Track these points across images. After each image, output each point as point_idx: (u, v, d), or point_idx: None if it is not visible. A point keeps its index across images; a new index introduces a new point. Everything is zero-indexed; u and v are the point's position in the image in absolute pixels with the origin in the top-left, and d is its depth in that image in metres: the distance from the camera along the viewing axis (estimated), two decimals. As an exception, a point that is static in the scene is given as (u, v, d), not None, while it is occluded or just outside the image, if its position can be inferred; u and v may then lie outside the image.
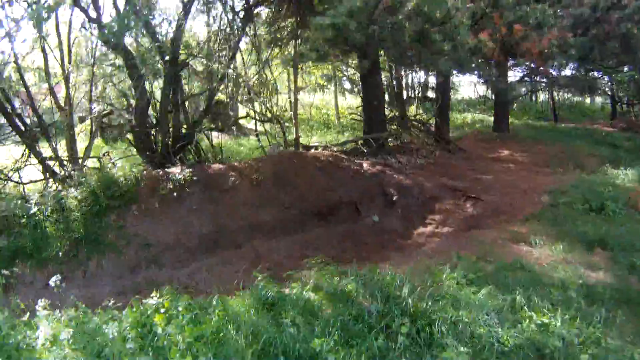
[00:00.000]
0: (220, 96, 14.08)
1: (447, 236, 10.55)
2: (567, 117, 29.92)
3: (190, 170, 10.23)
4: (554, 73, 24.93)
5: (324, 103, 31.99)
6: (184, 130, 12.52)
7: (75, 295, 6.43)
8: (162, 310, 5.01)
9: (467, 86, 35.28)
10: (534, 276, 7.04)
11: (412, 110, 22.72)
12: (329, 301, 5.79)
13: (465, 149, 17.14)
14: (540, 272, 7.27)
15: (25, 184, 10.83)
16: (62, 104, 12.21)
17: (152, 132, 12.13)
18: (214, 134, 14.41)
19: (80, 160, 11.46)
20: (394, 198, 12.06)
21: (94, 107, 12.88)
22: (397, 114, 16.41)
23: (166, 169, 10.37)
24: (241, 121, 18.37)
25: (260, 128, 15.50)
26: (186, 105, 13.12)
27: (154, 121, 12.33)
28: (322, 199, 11.32)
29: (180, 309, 5.12)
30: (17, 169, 10.78)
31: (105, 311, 5.30)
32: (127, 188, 9.51)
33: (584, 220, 10.06)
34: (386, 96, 17.51)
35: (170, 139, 11.88)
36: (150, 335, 4.72)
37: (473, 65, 16.18)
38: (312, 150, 12.99)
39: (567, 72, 25.33)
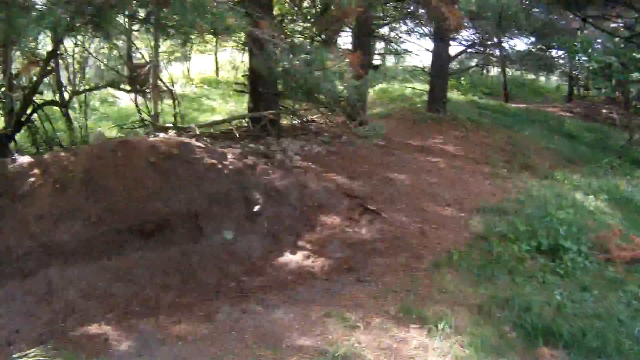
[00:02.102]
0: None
1: (313, 279, 7.01)
2: (519, 95, 26.42)
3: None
4: (507, 46, 21.41)
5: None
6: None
7: None
8: None
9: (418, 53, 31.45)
10: None
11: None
12: None
13: (385, 134, 13.36)
14: None
15: None
16: None
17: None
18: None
19: None
20: (258, 207, 8.28)
21: None
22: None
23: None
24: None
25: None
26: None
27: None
28: (148, 210, 7.62)
29: None
30: None
31: None
32: None
33: (525, 271, 6.81)
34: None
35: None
36: None
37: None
38: (160, 136, 8.92)
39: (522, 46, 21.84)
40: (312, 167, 9.96)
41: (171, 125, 10.15)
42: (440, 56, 16.65)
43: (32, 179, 7.40)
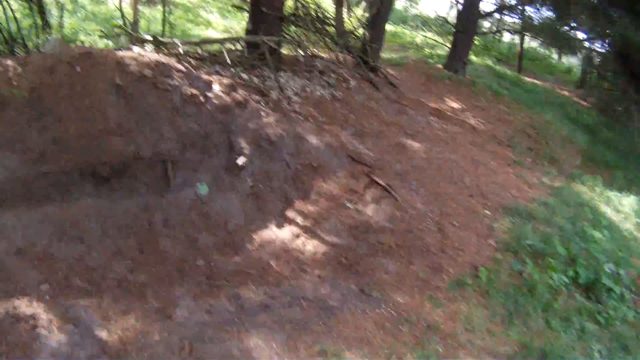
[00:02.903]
0: None
1: (302, 271, 5.45)
2: (531, 68, 24.47)
3: None
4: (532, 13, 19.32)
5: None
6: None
7: None
8: None
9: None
10: None
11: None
12: None
13: (397, 85, 11.47)
14: None
15: None
16: None
17: None
18: None
19: None
20: (243, 158, 6.50)
21: None
22: (304, 10, 10.34)
23: None
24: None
25: None
26: None
27: None
28: (105, 147, 5.83)
29: None
30: None
31: None
32: None
33: (561, 311, 5.43)
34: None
35: None
36: None
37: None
38: (135, 51, 6.89)
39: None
40: (312, 115, 8.14)
41: (150, 37, 8.07)
42: (470, 10, 14.62)
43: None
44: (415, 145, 8.48)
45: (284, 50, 10.20)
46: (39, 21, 9.04)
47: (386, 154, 7.80)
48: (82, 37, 9.95)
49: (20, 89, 5.57)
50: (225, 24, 16.15)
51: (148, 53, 6.89)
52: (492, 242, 6.28)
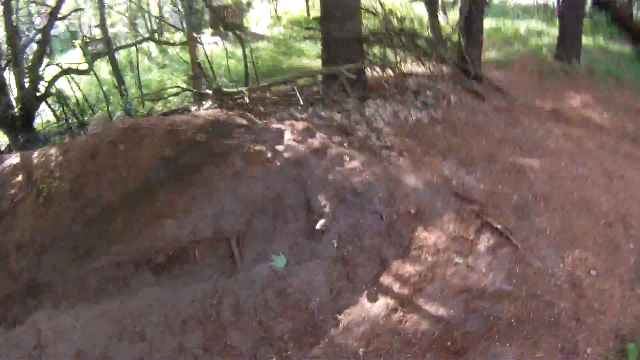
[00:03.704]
0: None
1: (400, 356, 4.40)
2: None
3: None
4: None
5: None
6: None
7: None
8: None
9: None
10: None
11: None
12: None
13: (505, 90, 10.06)
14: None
15: None
16: None
17: None
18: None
19: None
20: (323, 221, 5.48)
21: None
22: (385, 25, 9.10)
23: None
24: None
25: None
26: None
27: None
28: (161, 233, 5.23)
29: None
30: None
31: None
32: None
33: None
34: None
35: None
36: None
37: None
38: (192, 111, 6.09)
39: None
40: (408, 146, 7.02)
41: (209, 92, 7.26)
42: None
43: (14, 190, 5.31)
44: (535, 164, 7.14)
45: (370, 74, 9.11)
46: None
47: (500, 183, 6.53)
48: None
49: (63, 180, 4.94)
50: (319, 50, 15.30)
51: (205, 111, 6.09)
52: None
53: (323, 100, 7.55)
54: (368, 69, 8.49)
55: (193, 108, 6.27)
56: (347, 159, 6.26)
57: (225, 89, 7.38)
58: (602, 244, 5.62)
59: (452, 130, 7.70)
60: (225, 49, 12.39)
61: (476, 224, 5.82)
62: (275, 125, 6.43)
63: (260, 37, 18.05)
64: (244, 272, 5.07)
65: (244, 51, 9.96)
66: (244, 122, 6.02)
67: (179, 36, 16.84)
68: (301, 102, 7.02)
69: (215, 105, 6.94)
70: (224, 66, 12.33)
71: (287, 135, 6.21)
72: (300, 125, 6.62)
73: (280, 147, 6.01)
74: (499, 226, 5.65)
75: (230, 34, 15.21)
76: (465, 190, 6.26)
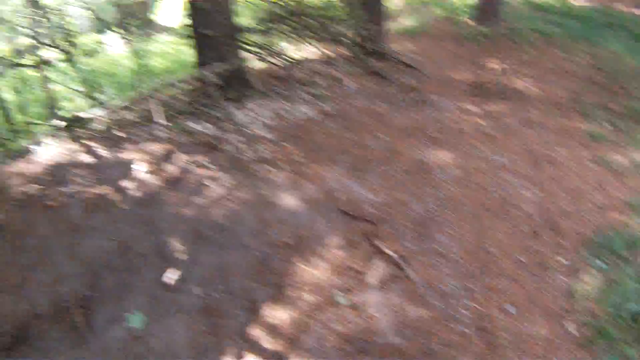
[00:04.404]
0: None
1: None
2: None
3: None
4: None
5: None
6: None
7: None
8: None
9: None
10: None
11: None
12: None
13: (416, 65, 8.94)
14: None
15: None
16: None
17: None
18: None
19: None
20: (174, 271, 4.34)
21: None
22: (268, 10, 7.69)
23: None
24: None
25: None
26: None
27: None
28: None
29: None
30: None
31: None
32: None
33: None
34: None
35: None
36: None
37: None
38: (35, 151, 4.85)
39: None
40: (288, 155, 5.84)
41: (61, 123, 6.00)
42: None
43: None
44: (444, 158, 6.04)
45: (254, 69, 7.85)
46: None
47: (398, 190, 5.41)
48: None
49: None
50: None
51: (42, 155, 4.88)
52: (572, 328, 3.84)
53: (190, 111, 6.31)
54: (250, 64, 7.23)
55: (35, 147, 5.07)
56: (210, 184, 5.09)
57: (80, 115, 6.10)
58: (524, 262, 4.55)
59: (346, 125, 6.55)
60: (138, 51, 10.95)
61: (366, 249, 4.70)
62: (126, 156, 5.25)
63: (167, 30, 16.63)
64: (96, 341, 3.96)
65: (134, 54, 8.57)
66: (90, 158, 4.85)
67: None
68: (159, 120, 5.75)
69: (71, 137, 5.70)
70: (118, 74, 10.98)
71: (139, 167, 5.03)
72: (159, 148, 5.43)
73: (128, 185, 4.84)
74: (392, 253, 4.52)
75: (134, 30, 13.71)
76: (354, 206, 5.12)
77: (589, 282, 4.28)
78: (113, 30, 11.95)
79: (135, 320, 4.14)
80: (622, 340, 3.74)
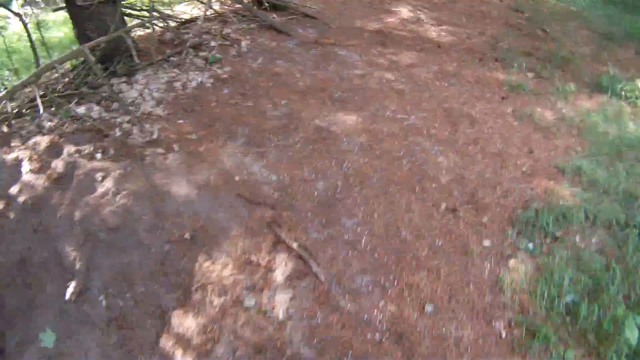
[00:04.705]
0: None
1: None
2: None
3: None
4: None
5: None
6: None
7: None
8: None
9: None
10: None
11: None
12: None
13: (318, 16, 8.51)
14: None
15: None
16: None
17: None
18: None
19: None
20: (72, 286, 3.94)
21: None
22: None
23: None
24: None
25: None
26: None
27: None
28: None
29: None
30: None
31: None
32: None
33: None
34: None
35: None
36: None
37: None
38: None
39: None
40: (181, 132, 5.42)
41: None
42: None
43: None
44: (349, 122, 5.75)
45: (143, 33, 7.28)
46: None
47: (299, 166, 5.10)
48: None
49: None
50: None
51: None
52: (501, 326, 3.68)
53: (77, 93, 5.76)
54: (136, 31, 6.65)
55: None
56: (100, 178, 4.67)
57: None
58: (443, 248, 4.33)
59: (242, 92, 6.15)
60: (36, 22, 9.96)
61: (271, 240, 4.41)
62: (11, 156, 4.75)
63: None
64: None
65: (26, 29, 7.69)
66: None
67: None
68: (41, 110, 5.19)
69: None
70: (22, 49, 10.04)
71: (25, 166, 4.56)
72: (44, 141, 4.94)
73: (14, 189, 4.38)
74: (295, 245, 4.25)
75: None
76: (253, 189, 4.80)
77: (518, 270, 4.05)
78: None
79: (48, 338, 3.87)
80: (559, 341, 3.55)
